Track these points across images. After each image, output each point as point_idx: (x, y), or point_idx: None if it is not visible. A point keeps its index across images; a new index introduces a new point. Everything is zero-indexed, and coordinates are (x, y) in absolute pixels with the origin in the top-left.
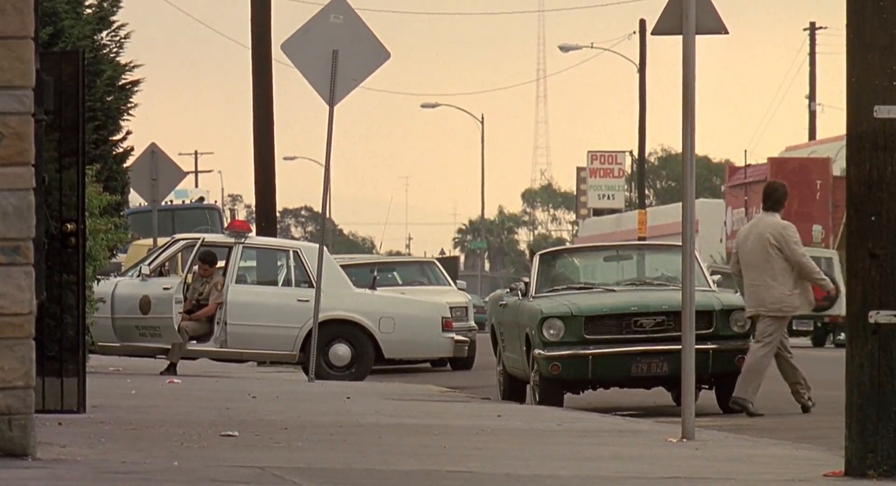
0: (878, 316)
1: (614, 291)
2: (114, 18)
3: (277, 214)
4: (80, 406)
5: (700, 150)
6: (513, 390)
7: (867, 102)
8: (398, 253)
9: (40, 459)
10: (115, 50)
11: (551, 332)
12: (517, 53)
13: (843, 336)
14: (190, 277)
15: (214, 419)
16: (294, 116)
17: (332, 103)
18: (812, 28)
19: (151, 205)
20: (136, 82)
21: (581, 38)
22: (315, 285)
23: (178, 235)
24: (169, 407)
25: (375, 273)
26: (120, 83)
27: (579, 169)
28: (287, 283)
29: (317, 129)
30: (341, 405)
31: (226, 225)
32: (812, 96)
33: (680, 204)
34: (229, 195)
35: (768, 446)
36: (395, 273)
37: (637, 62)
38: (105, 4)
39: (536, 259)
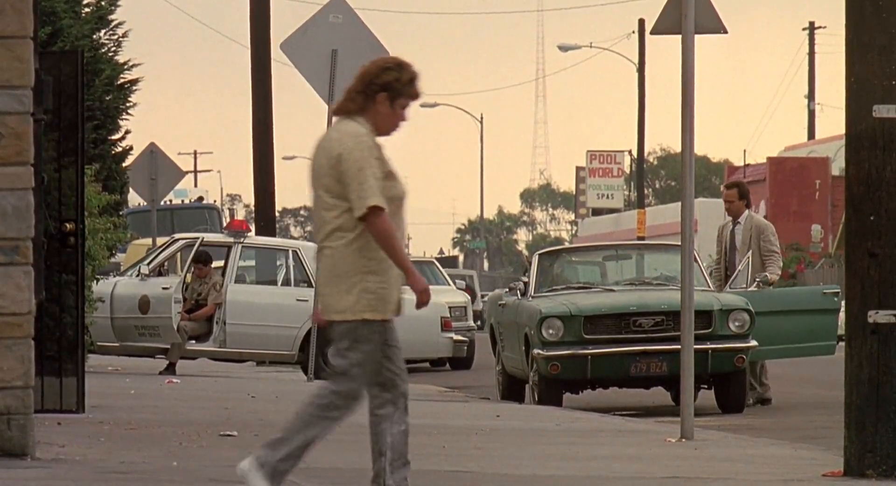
0: (877, 316)
1: (613, 291)
2: (112, 17)
3: (276, 214)
4: (79, 406)
5: (699, 149)
6: (512, 390)
7: (866, 102)
8: None
9: (39, 459)
10: (113, 49)
11: (550, 332)
12: (516, 53)
13: None
14: (189, 277)
15: (213, 418)
16: (293, 115)
17: (331, 103)
18: (811, 28)
19: (150, 204)
20: (134, 81)
21: (580, 37)
22: (314, 284)
23: (177, 235)
24: (168, 407)
25: None
26: (119, 82)
27: (578, 169)
28: (286, 282)
29: (316, 128)
30: None
31: (225, 225)
32: (811, 96)
33: (679, 204)
34: (228, 195)
35: (767, 446)
36: None
37: (636, 62)
38: (103, 3)
39: (535, 259)
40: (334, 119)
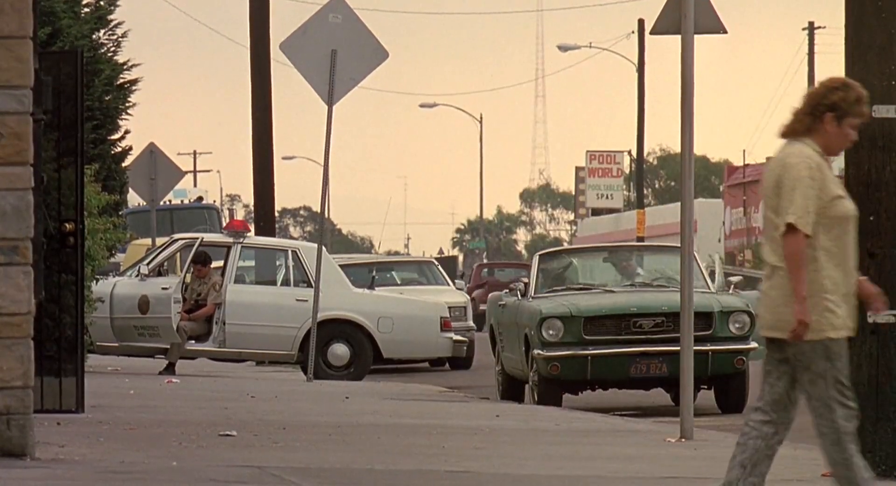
0: (877, 316)
1: (613, 291)
2: (111, 17)
3: (276, 214)
4: (79, 406)
5: (698, 149)
6: (511, 390)
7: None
8: (397, 253)
9: (39, 459)
10: (112, 49)
11: (550, 332)
12: (516, 53)
13: None
14: (188, 277)
15: (213, 418)
16: (293, 115)
17: (330, 103)
18: (811, 28)
19: (150, 205)
20: (134, 81)
21: (580, 37)
22: (314, 284)
23: (176, 235)
24: (167, 407)
25: (374, 273)
26: (118, 82)
27: (578, 169)
28: (286, 283)
29: (315, 128)
30: (340, 405)
31: (224, 225)
32: None
33: (678, 204)
34: (228, 195)
35: None
36: (393, 273)
37: (636, 62)
38: (102, 3)
39: (536, 259)
40: (782, 142)
